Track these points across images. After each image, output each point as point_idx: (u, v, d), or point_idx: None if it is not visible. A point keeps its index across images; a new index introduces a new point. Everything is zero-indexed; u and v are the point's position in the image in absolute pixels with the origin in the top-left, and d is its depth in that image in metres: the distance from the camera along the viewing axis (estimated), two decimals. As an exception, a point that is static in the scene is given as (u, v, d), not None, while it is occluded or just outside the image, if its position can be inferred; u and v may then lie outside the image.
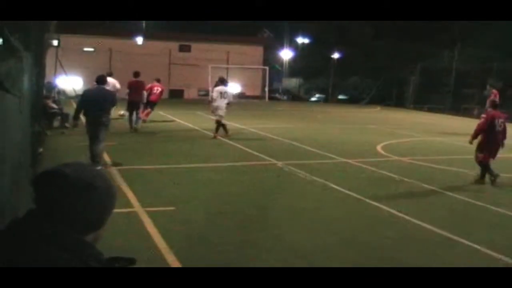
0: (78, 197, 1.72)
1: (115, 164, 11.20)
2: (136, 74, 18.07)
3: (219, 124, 16.53)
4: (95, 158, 10.71)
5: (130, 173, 10.36)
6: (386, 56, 39.87)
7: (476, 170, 10.87)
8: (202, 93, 36.90)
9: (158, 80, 20.45)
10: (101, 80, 11.35)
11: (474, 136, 10.85)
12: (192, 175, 10.53)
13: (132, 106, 17.61)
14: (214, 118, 16.81)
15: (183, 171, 10.96)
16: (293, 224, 7.38)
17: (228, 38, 42.09)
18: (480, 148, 10.73)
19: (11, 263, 1.65)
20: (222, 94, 16.56)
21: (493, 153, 10.62)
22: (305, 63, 49.06)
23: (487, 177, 10.65)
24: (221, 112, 16.46)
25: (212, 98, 16.86)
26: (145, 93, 18.19)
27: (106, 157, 11.73)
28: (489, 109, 10.97)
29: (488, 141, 10.60)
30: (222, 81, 17.09)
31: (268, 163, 12.15)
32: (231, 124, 20.41)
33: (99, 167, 11.03)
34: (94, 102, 10.82)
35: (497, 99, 13.22)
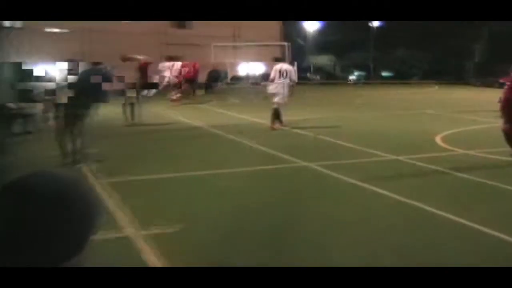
0: (48, 215, 1.65)
1: (101, 175, 11.26)
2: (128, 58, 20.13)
3: (276, 112, 17.70)
4: (75, 156, 11.98)
5: (122, 186, 10.38)
6: (439, 20, 39.70)
7: None
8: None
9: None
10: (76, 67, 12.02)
11: (504, 111, 11.99)
12: (203, 185, 10.54)
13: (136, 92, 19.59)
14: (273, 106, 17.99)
15: (191, 180, 10.97)
16: (335, 240, 7.34)
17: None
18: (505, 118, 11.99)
19: None
20: (282, 73, 17.79)
21: None
22: (338, 35, 48.99)
23: None
24: (279, 98, 17.67)
25: (270, 80, 18.21)
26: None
27: (86, 170, 11.81)
28: None
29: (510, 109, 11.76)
30: (279, 59, 18.62)
31: (298, 165, 12.15)
32: (244, 118, 20.48)
33: (80, 165, 11.93)
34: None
35: None
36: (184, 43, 40.38)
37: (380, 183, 10.25)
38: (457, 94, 30.07)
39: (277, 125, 17.68)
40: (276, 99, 17.80)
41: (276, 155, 13.31)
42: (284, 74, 17.84)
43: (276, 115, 17.76)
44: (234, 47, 41.85)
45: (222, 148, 14.63)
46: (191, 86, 28.78)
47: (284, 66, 18.27)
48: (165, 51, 40.10)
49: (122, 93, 18.98)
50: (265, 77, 35.80)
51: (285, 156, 13.05)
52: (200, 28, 40.47)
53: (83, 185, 1.78)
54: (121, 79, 19.31)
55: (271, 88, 17.99)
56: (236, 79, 40.84)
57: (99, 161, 12.43)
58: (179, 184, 10.67)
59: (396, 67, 46.12)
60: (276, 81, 17.86)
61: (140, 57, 20.49)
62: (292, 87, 17.99)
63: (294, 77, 18.29)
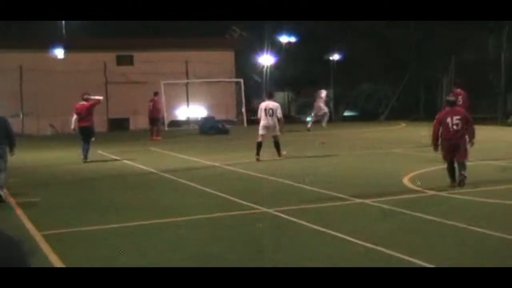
0: None
1: (41, 227, 11.19)
2: (85, 99, 21.24)
3: (276, 144, 20.46)
4: None
5: (63, 239, 10.35)
6: (407, 51, 40.28)
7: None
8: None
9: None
10: None
11: (434, 142, 14.33)
12: (156, 235, 10.58)
13: (83, 133, 20.84)
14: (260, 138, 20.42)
15: (142, 230, 11.00)
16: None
17: (185, 41, 42.31)
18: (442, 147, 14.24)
19: None
20: (267, 111, 20.24)
21: (449, 153, 13.97)
22: (294, 70, 49.40)
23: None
24: (265, 132, 20.21)
25: (258, 118, 21.03)
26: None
27: (26, 221, 11.77)
28: (446, 108, 14.51)
29: (441, 140, 14.10)
30: (269, 96, 20.98)
31: (258, 211, 12.25)
32: (198, 161, 20.59)
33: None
34: None
35: (451, 98, 15.44)
36: (129, 81, 40.29)
37: (346, 229, 10.37)
38: (426, 131, 30.58)
39: (259, 156, 20.15)
40: (262, 132, 20.17)
41: (234, 200, 13.39)
42: (270, 112, 20.18)
43: (277, 146, 20.37)
44: (186, 84, 41.97)
45: (175, 194, 14.67)
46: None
47: (270, 104, 20.46)
48: (109, 89, 40.06)
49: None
50: (208, 120, 36.04)
51: (244, 202, 13.13)
52: (145, 64, 40.49)
53: (9, 239, 1.80)
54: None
55: (260, 125, 20.36)
56: (175, 124, 40.57)
57: (40, 211, 12.44)
58: (130, 234, 10.68)
59: (361, 104, 46.52)
60: (262, 119, 20.28)
61: (99, 97, 22.12)
62: (279, 122, 20.49)
63: (280, 114, 20.44)
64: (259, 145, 20.14)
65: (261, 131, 20.27)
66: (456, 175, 13.98)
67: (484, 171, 16.65)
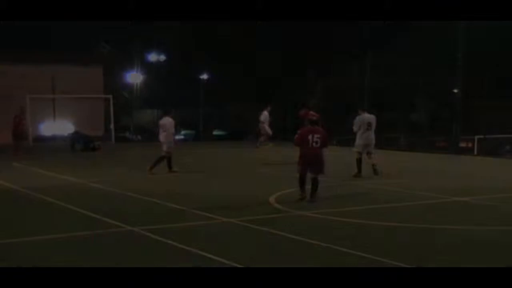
0: None
1: None
2: None
3: (162, 159, 21.54)
4: None
5: None
6: (275, 73, 40.99)
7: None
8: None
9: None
10: None
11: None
12: (14, 255, 10.30)
13: None
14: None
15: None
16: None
17: (52, 55, 41.46)
18: (298, 161, 15.67)
19: None
20: (161, 127, 21.76)
21: (306, 168, 15.41)
22: (164, 88, 49.32)
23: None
24: (165, 147, 21.42)
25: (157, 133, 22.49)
26: None
27: None
28: (308, 126, 15.81)
29: (301, 155, 15.62)
30: (167, 112, 22.65)
31: (123, 229, 12.17)
32: (65, 178, 20.20)
33: None
34: None
35: (314, 117, 16.09)
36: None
37: (214, 248, 10.46)
38: (293, 151, 31.27)
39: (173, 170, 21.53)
40: (165, 148, 21.40)
41: (99, 219, 13.21)
42: (164, 128, 21.46)
43: (160, 161, 21.44)
44: (52, 100, 41.06)
45: (40, 213, 14.33)
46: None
47: (164, 120, 21.79)
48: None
49: None
50: (75, 136, 35.41)
51: (109, 220, 13.00)
52: (9, 78, 39.41)
53: None
54: None
55: (161, 137, 21.58)
56: (41, 139, 39.56)
57: None
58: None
59: (230, 124, 46.93)
60: (160, 133, 21.64)
61: None
62: (172, 136, 21.86)
63: (172, 129, 21.64)
64: (168, 159, 21.57)
65: (164, 147, 21.48)
66: (307, 188, 15.36)
67: (343, 191, 17.26)
